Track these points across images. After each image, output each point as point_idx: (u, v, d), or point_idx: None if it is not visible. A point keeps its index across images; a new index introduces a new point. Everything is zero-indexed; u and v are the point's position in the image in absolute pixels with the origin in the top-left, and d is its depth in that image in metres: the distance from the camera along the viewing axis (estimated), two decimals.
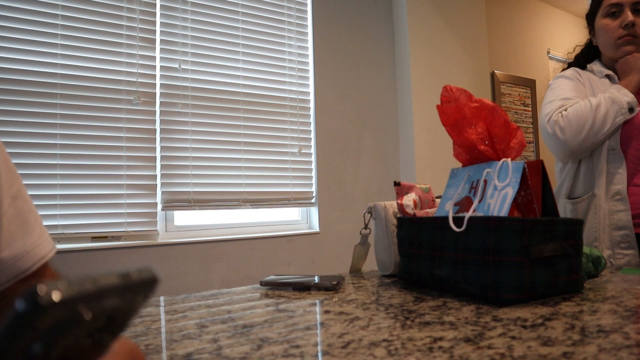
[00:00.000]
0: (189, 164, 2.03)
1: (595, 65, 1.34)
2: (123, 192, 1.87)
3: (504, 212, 0.70)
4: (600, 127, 1.17)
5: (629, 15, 1.24)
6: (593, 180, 1.24)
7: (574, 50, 1.47)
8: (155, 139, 1.97)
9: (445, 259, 0.74)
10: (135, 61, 1.93)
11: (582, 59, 1.40)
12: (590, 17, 1.36)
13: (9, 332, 0.18)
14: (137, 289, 0.23)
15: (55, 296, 0.18)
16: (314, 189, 2.40)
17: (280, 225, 2.34)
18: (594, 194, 1.22)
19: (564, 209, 1.30)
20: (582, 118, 1.17)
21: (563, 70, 1.40)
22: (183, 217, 2.08)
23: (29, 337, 0.18)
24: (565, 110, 1.21)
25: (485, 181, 0.76)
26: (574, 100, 1.23)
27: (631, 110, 1.17)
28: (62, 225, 1.73)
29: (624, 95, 1.18)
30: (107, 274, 0.21)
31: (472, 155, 0.81)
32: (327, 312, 0.66)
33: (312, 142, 2.42)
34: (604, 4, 1.30)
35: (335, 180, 2.46)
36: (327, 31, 2.50)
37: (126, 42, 1.91)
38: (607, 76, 1.30)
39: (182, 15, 2.06)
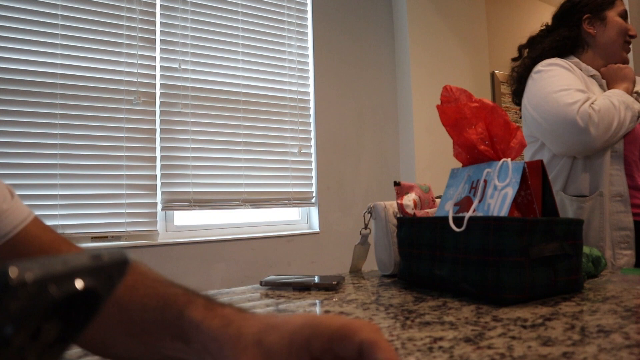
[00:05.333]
0: (189, 164, 2.03)
1: (580, 63, 1.29)
2: (123, 192, 1.87)
3: (504, 212, 0.70)
4: (620, 128, 1.15)
5: (634, 29, 1.25)
6: (596, 180, 1.21)
7: (528, 41, 1.39)
8: (155, 139, 1.97)
9: (445, 259, 0.74)
10: (135, 61, 1.93)
11: (567, 50, 1.32)
12: (598, 9, 1.29)
13: None
14: (109, 270, 0.23)
15: (26, 276, 0.17)
16: (313, 189, 2.40)
17: (280, 225, 2.34)
18: (601, 194, 1.19)
19: (562, 204, 1.26)
20: (610, 116, 1.13)
21: (543, 58, 1.29)
22: (183, 217, 2.08)
23: (0, 319, 0.18)
24: (595, 104, 1.14)
25: (485, 181, 0.76)
26: (593, 95, 1.18)
27: (639, 117, 1.18)
28: (62, 225, 1.73)
29: (634, 102, 1.17)
30: (78, 255, 0.21)
31: (472, 155, 0.81)
32: (327, 312, 0.66)
33: (312, 142, 2.42)
34: (618, 5, 1.28)
35: (335, 180, 2.46)
36: (327, 31, 2.50)
37: (126, 42, 1.91)
38: (593, 76, 1.27)
39: (182, 15, 2.06)
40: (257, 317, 0.34)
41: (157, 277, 0.43)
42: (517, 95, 1.38)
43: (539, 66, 1.28)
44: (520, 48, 1.42)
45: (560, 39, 1.32)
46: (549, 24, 1.40)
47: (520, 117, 1.39)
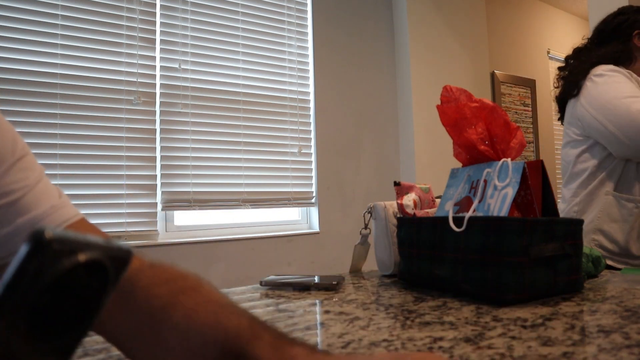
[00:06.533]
0: (189, 164, 2.03)
1: (632, 73, 1.32)
2: (123, 192, 1.87)
3: (504, 212, 0.70)
4: None
5: None
6: None
7: (574, 52, 1.45)
8: (155, 139, 1.97)
9: (445, 259, 0.74)
10: (135, 61, 1.93)
11: (619, 61, 1.36)
12: None
13: (19, 270, 0.21)
14: (117, 253, 0.27)
15: (54, 237, 0.22)
16: (314, 189, 2.40)
17: (280, 225, 2.34)
18: None
19: (613, 204, 1.28)
20: None
21: (603, 67, 1.33)
22: (183, 217, 2.08)
23: (35, 276, 0.22)
24: None
25: (485, 181, 0.76)
26: None
27: None
28: None
29: None
30: (96, 237, 0.26)
31: (472, 155, 0.81)
32: (327, 312, 0.66)
33: (312, 142, 2.42)
34: None
35: (335, 180, 2.46)
36: (327, 31, 2.50)
37: (126, 42, 1.91)
38: None
39: (182, 15, 2.06)
40: (331, 357, 0.32)
41: (222, 300, 0.39)
42: (567, 98, 1.40)
43: (600, 70, 1.30)
44: (567, 59, 1.47)
45: (616, 50, 1.37)
46: (588, 37, 1.47)
47: (563, 119, 1.43)
